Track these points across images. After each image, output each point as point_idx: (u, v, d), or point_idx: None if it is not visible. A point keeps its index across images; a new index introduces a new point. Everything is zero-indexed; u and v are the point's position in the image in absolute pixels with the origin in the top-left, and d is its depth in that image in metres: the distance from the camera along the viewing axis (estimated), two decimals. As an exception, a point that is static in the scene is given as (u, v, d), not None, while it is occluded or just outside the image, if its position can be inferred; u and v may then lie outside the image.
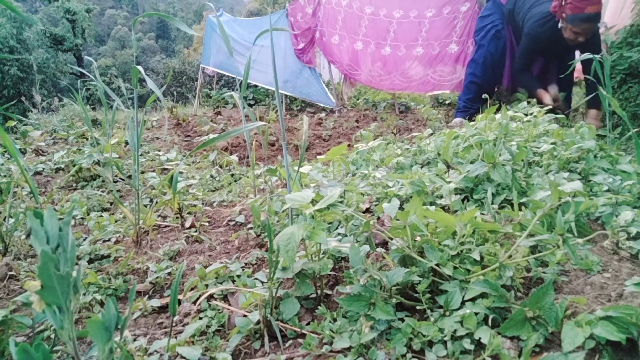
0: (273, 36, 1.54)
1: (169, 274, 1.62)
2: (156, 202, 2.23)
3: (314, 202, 1.15)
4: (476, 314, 1.01)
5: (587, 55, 2.19)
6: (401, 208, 1.32)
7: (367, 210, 1.82)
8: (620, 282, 1.11)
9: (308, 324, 1.16)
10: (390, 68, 5.62)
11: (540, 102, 3.38)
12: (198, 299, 1.37)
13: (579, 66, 3.57)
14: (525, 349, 0.87)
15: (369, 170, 2.29)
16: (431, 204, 1.66)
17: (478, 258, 1.13)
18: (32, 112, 5.99)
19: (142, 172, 3.24)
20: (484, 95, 3.06)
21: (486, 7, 4.30)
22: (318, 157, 2.75)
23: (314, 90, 6.91)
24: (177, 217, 2.19)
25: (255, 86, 8.60)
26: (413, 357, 0.97)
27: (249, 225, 2.03)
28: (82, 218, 2.35)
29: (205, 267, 1.55)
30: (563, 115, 2.69)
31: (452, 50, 5.12)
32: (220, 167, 3.60)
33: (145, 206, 2.38)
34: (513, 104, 2.99)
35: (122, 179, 3.09)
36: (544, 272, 1.18)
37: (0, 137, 1.28)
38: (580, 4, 3.02)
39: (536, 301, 0.97)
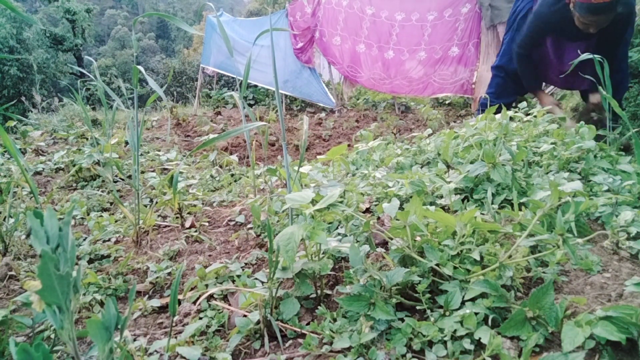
0: (273, 36, 1.54)
1: (169, 274, 1.62)
2: (156, 202, 2.23)
3: (314, 202, 1.15)
4: (476, 314, 1.01)
5: (586, 56, 2.15)
6: (401, 208, 1.32)
7: (367, 210, 1.82)
8: (620, 282, 1.11)
9: (308, 324, 1.16)
10: (393, 72, 5.62)
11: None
12: (198, 299, 1.37)
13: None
14: (525, 349, 0.87)
15: (369, 170, 2.29)
16: (431, 204, 1.66)
17: (478, 258, 1.13)
18: (32, 112, 5.99)
19: (142, 172, 3.24)
20: (484, 95, 3.02)
21: None
22: (318, 157, 2.75)
23: (314, 90, 6.92)
24: (177, 217, 2.19)
25: (255, 86, 8.61)
26: (413, 357, 0.97)
27: (249, 225, 2.03)
28: (82, 218, 2.35)
29: (205, 267, 1.55)
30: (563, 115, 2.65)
31: (453, 53, 5.12)
32: (220, 167, 3.60)
33: (145, 206, 2.38)
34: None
35: (122, 179, 3.09)
36: (544, 272, 1.18)
37: (0, 137, 1.28)
38: None
39: (536, 301, 0.97)
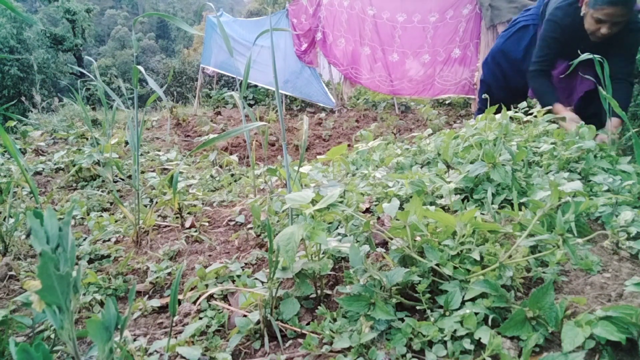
0: (273, 37, 1.54)
1: (169, 274, 1.62)
2: (156, 202, 2.23)
3: (314, 202, 1.15)
4: (476, 314, 1.00)
5: (587, 56, 2.10)
6: (401, 208, 1.32)
7: (367, 210, 1.82)
8: (620, 282, 1.11)
9: (308, 324, 1.16)
10: (397, 75, 5.63)
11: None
12: (198, 299, 1.37)
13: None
14: (525, 349, 0.87)
15: (369, 170, 2.29)
16: (431, 204, 1.66)
17: (478, 258, 1.13)
18: (32, 112, 5.99)
19: (142, 172, 3.24)
20: (484, 95, 2.98)
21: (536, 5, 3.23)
22: (318, 157, 2.75)
23: (314, 90, 6.92)
24: (177, 217, 2.19)
25: (255, 86, 8.61)
26: (413, 357, 0.97)
27: (249, 225, 2.03)
28: (82, 218, 2.35)
29: (205, 267, 1.55)
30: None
31: (455, 54, 5.13)
32: (220, 167, 3.60)
33: (145, 206, 2.38)
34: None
35: (122, 179, 3.09)
36: (544, 272, 1.18)
37: (0, 137, 1.28)
38: None
39: (536, 301, 0.97)
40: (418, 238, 1.25)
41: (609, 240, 1.30)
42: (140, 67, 1.79)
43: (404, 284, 1.14)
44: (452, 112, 6.56)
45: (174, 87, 13.33)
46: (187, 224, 2.10)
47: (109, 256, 1.83)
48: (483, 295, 1.05)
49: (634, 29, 2.53)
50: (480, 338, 0.95)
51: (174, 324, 1.29)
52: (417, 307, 1.10)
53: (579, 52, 2.28)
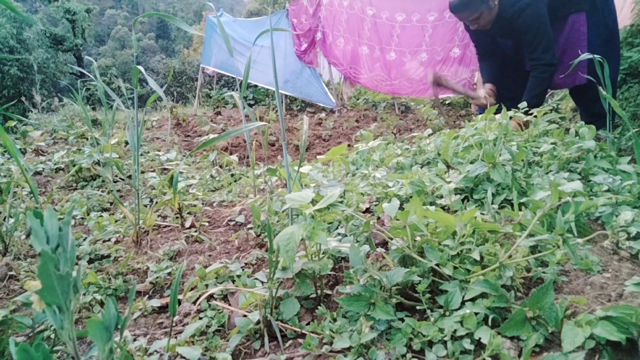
0: (273, 37, 1.55)
1: (169, 274, 1.62)
2: (156, 202, 2.23)
3: (314, 202, 1.15)
4: (476, 314, 1.01)
5: (586, 55, 2.15)
6: (401, 208, 1.32)
7: (367, 210, 1.82)
8: (620, 282, 1.11)
9: (308, 324, 1.16)
10: (395, 73, 5.63)
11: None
12: (198, 299, 1.37)
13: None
14: (525, 349, 0.87)
15: (369, 170, 2.29)
16: (431, 204, 1.66)
17: (478, 258, 1.13)
18: (32, 112, 6.00)
19: (142, 172, 3.24)
20: (484, 94, 3.00)
21: None
22: (318, 157, 2.75)
23: (314, 90, 6.92)
24: (177, 217, 2.19)
25: (255, 86, 8.61)
26: (413, 357, 0.97)
27: (249, 225, 2.03)
28: (82, 218, 2.35)
29: (205, 267, 1.55)
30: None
31: (455, 54, 5.12)
32: (220, 167, 3.60)
33: (145, 206, 2.38)
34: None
35: (122, 179, 3.09)
36: (544, 272, 1.18)
37: (0, 137, 1.28)
38: None
39: (536, 301, 0.97)
40: (418, 238, 1.25)
41: (609, 240, 1.30)
42: (140, 67, 1.79)
43: (404, 284, 1.14)
44: (452, 112, 6.56)
45: (174, 87, 13.34)
46: (187, 224, 2.10)
47: (109, 256, 1.83)
48: (483, 295, 1.05)
49: (515, 15, 2.64)
50: (480, 338, 0.95)
51: (174, 324, 1.29)
52: (417, 307, 1.10)
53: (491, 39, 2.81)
